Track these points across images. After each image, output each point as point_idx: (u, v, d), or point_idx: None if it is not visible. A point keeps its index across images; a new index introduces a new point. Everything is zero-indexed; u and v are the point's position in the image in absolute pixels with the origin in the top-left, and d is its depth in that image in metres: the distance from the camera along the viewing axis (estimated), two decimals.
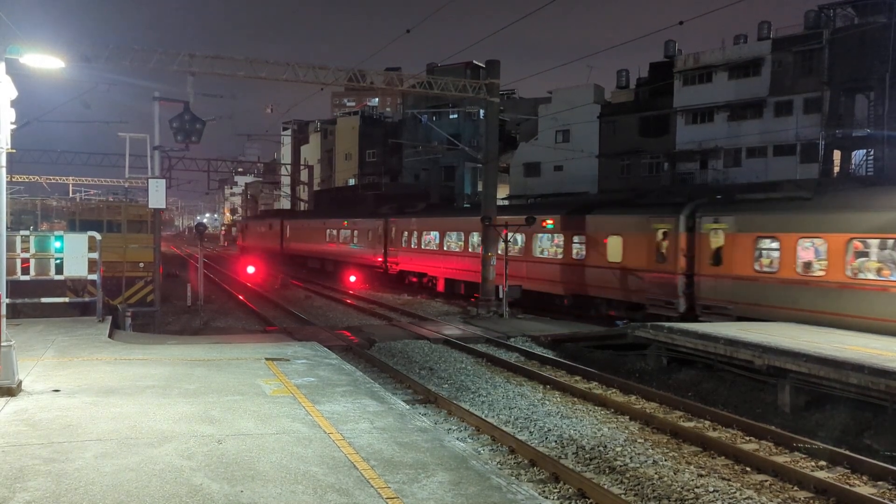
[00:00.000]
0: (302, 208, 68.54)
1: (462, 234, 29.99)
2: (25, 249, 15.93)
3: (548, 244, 25.81)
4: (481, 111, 41.02)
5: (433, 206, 40.70)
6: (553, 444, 10.38)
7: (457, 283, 30.20)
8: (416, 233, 33.47)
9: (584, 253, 23.29)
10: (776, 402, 12.39)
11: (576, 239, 23.75)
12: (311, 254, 46.73)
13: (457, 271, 29.99)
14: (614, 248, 21.93)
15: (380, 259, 36.80)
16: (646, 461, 9.61)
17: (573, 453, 9.95)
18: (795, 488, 8.70)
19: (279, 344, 15.02)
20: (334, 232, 43.39)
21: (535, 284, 25.53)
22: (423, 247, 32.60)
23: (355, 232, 39.97)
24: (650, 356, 15.77)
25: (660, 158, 46.75)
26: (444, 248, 30.99)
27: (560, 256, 24.60)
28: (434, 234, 32.31)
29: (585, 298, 23.25)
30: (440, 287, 31.25)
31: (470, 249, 29.08)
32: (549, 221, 24.98)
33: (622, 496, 8.23)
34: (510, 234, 24.31)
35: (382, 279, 36.99)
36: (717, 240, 18.76)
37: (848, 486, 8.59)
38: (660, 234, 20.38)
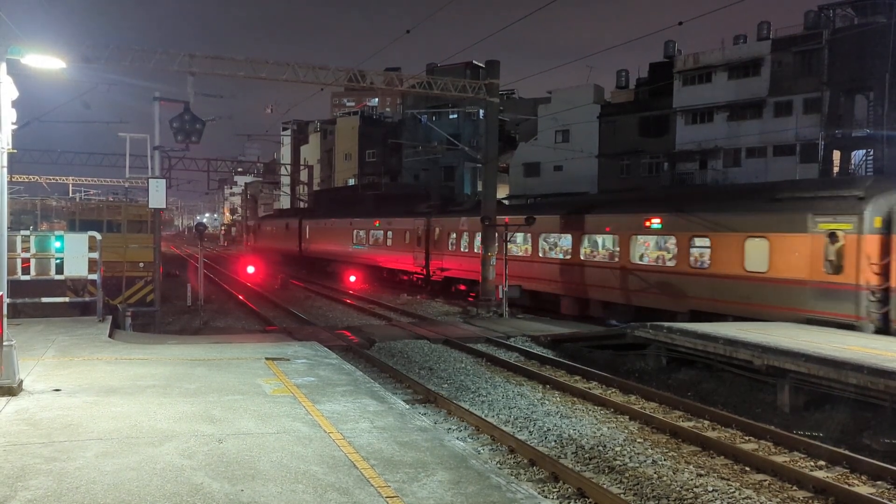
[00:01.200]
0: (302, 208, 68.26)
1: (529, 236, 25.67)
2: (26, 249, 15.95)
3: (650, 248, 21.20)
4: (481, 111, 41.09)
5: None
6: (552, 443, 10.40)
7: (529, 294, 25.23)
8: (466, 234, 29.52)
9: (707, 260, 18.82)
10: (775, 402, 12.41)
11: (697, 242, 19.20)
12: (335, 257, 42.53)
13: (530, 280, 25.25)
14: (756, 253, 17.40)
15: (420, 264, 32.76)
16: (645, 461, 9.63)
17: (573, 453, 9.97)
18: (794, 488, 8.71)
19: (279, 344, 15.03)
20: (362, 233, 39.41)
21: (632, 298, 21.06)
22: (477, 251, 27.47)
23: (389, 233, 35.88)
24: (650, 356, 15.78)
25: (659, 158, 46.76)
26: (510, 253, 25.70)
27: (670, 263, 19.95)
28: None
29: (712, 316, 18.02)
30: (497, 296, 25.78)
31: (542, 254, 24.81)
32: (655, 220, 20.50)
33: (621, 496, 8.25)
34: (588, 236, 22.37)
35: (407, 284, 34.79)
36: None
37: (847, 486, 8.61)
38: (834, 237, 15.79)
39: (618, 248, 21.88)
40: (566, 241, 24.41)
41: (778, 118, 40.64)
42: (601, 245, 23.11)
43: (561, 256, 24.54)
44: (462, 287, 29.96)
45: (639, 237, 21.27)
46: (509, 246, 24.55)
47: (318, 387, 10.29)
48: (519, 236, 26.67)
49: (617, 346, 17.27)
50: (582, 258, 23.44)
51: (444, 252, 30.98)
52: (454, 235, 30.35)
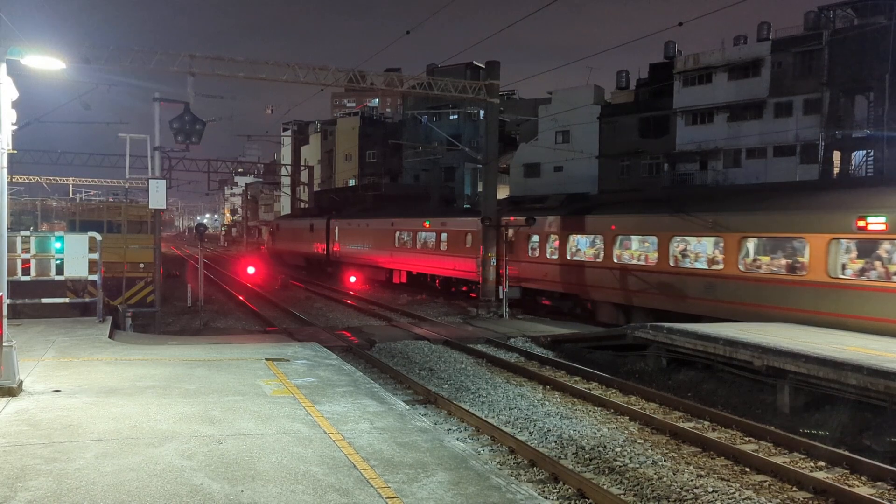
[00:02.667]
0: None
1: (653, 238, 20.19)
2: (26, 250, 15.95)
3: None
4: (481, 112, 41.03)
5: (579, 199, 26.26)
6: (553, 444, 10.40)
7: (650, 314, 19.84)
8: (553, 237, 24.24)
9: None
10: (775, 403, 12.40)
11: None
12: (372, 262, 37.25)
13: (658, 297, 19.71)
14: None
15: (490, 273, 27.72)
16: (645, 461, 9.63)
17: (573, 453, 9.96)
18: (794, 489, 8.71)
19: (279, 344, 15.04)
20: (405, 236, 34.44)
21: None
22: (571, 257, 23.26)
23: (443, 235, 30.77)
24: (650, 357, 15.77)
25: (660, 159, 46.79)
26: (620, 260, 21.23)
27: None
28: (586, 240, 23.17)
29: None
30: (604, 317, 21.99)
31: (675, 263, 19.30)
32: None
33: (621, 496, 8.24)
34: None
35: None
36: None
37: (847, 487, 8.61)
38: None
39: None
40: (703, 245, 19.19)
41: (778, 119, 40.66)
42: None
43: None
44: (546, 302, 25.05)
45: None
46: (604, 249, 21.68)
47: (318, 387, 10.29)
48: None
49: (617, 346, 17.26)
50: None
51: (524, 258, 25.74)
52: (537, 238, 25.23)
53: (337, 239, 41.98)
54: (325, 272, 42.25)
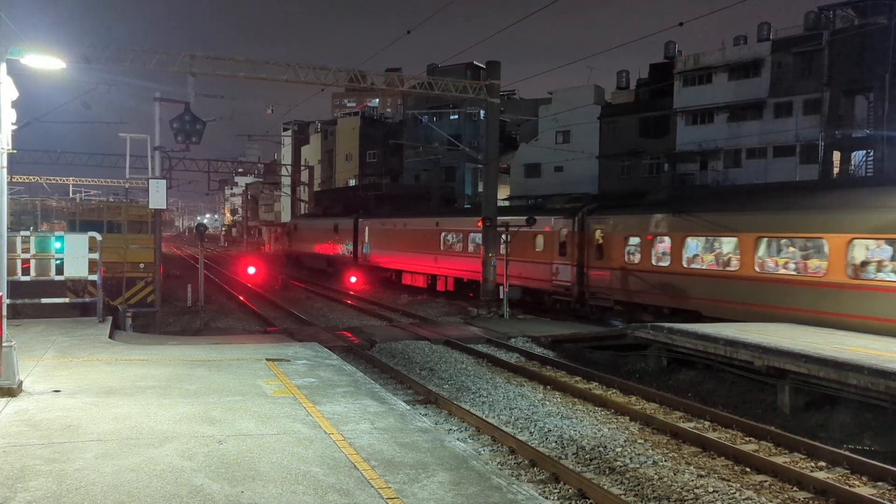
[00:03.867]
0: (303, 209, 67.99)
1: (823, 242, 15.93)
2: (26, 250, 15.94)
3: None
4: (482, 112, 41.03)
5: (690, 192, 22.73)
6: (553, 444, 10.39)
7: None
8: (664, 240, 20.20)
9: None
10: (776, 403, 12.40)
11: None
12: (413, 267, 33.31)
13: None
14: None
15: (564, 280, 23.88)
16: (646, 462, 9.62)
17: (573, 454, 9.96)
18: (795, 489, 8.70)
19: (280, 345, 15.04)
20: (453, 237, 30.46)
21: None
22: (689, 265, 19.14)
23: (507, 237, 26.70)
24: (650, 357, 15.77)
25: (660, 159, 46.77)
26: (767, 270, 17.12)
27: None
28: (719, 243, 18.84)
29: None
30: None
31: (854, 273, 15.17)
32: None
33: (622, 496, 8.24)
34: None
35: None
36: None
37: (847, 487, 8.60)
38: None
39: None
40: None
41: (778, 119, 40.65)
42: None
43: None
44: (645, 318, 19.85)
45: None
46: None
47: (318, 388, 10.28)
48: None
49: (617, 346, 17.25)
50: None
51: (615, 265, 21.46)
52: (635, 241, 21.12)
53: (366, 240, 38.07)
54: (356, 275, 37.12)
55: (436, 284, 31.65)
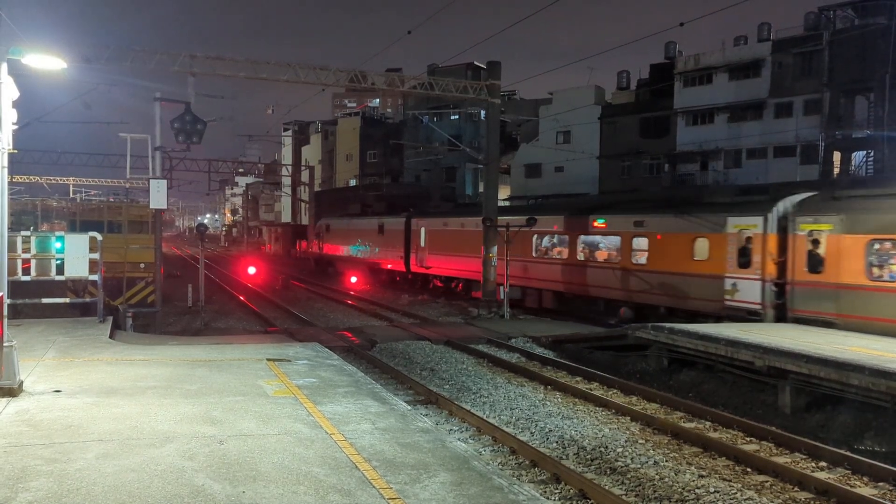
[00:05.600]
0: (303, 209, 67.80)
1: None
2: (26, 250, 15.94)
3: None
4: (482, 112, 41.05)
5: None
6: (554, 444, 10.38)
7: None
8: None
9: None
10: (777, 403, 12.40)
11: None
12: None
13: None
14: None
15: (752, 301, 17.44)
16: (647, 462, 9.62)
17: (574, 454, 9.95)
18: (796, 489, 8.70)
19: (280, 345, 15.03)
20: (553, 241, 24.79)
21: None
22: None
23: (638, 240, 21.03)
24: (651, 357, 15.77)
25: (660, 160, 46.79)
26: None
27: None
28: None
29: None
30: None
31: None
32: None
33: (623, 497, 8.23)
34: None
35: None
36: None
37: (848, 487, 8.60)
38: None
39: None
40: None
41: (778, 119, 40.65)
42: None
43: None
44: None
45: None
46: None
47: (319, 388, 10.28)
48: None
49: (618, 347, 17.27)
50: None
51: (848, 279, 15.45)
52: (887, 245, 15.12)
53: (424, 245, 32.06)
54: (411, 289, 32.86)
55: (524, 299, 25.65)
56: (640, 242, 20.97)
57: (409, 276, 33.90)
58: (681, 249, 19.48)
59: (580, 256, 23.21)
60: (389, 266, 35.54)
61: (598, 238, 22.98)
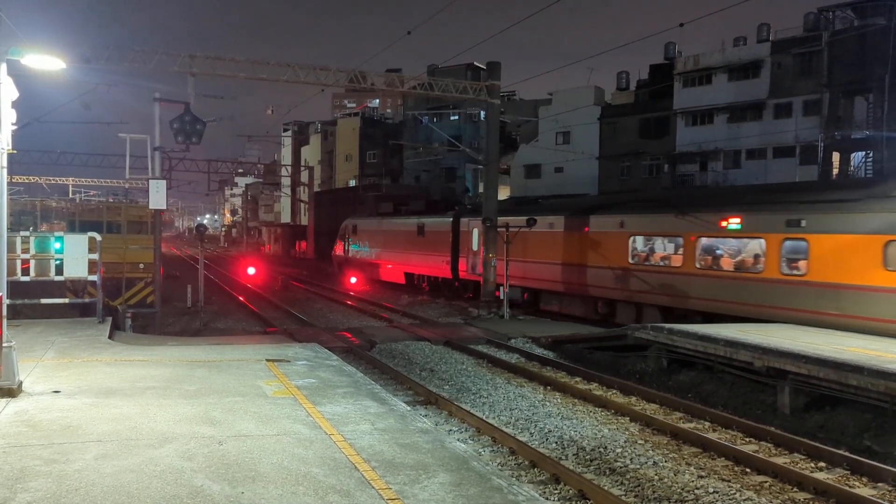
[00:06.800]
0: (302, 210, 67.74)
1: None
2: (25, 250, 15.93)
3: None
4: (482, 113, 41.04)
5: None
6: (554, 445, 10.39)
7: None
8: None
9: None
10: (776, 404, 12.39)
11: None
12: (570, 289, 23.25)
13: None
14: None
15: None
16: (646, 462, 9.62)
17: (574, 454, 9.95)
18: (795, 489, 8.70)
19: (280, 345, 15.02)
20: (656, 245, 20.61)
21: None
22: None
23: (815, 250, 15.73)
24: (650, 358, 15.77)
25: (660, 160, 46.82)
26: None
27: None
28: None
29: None
30: None
31: None
32: None
33: (622, 497, 8.23)
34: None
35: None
36: None
37: (847, 488, 8.60)
38: None
39: None
40: None
41: (778, 120, 40.68)
42: None
43: None
44: None
45: None
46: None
47: (318, 388, 10.28)
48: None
49: (617, 347, 17.25)
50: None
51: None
52: None
53: (474, 248, 27.88)
54: (457, 296, 29.33)
55: (615, 313, 21.65)
56: (797, 246, 16.34)
57: (455, 284, 29.90)
58: (871, 252, 14.64)
59: (700, 261, 18.65)
60: (431, 272, 31.47)
61: (714, 241, 18.86)
